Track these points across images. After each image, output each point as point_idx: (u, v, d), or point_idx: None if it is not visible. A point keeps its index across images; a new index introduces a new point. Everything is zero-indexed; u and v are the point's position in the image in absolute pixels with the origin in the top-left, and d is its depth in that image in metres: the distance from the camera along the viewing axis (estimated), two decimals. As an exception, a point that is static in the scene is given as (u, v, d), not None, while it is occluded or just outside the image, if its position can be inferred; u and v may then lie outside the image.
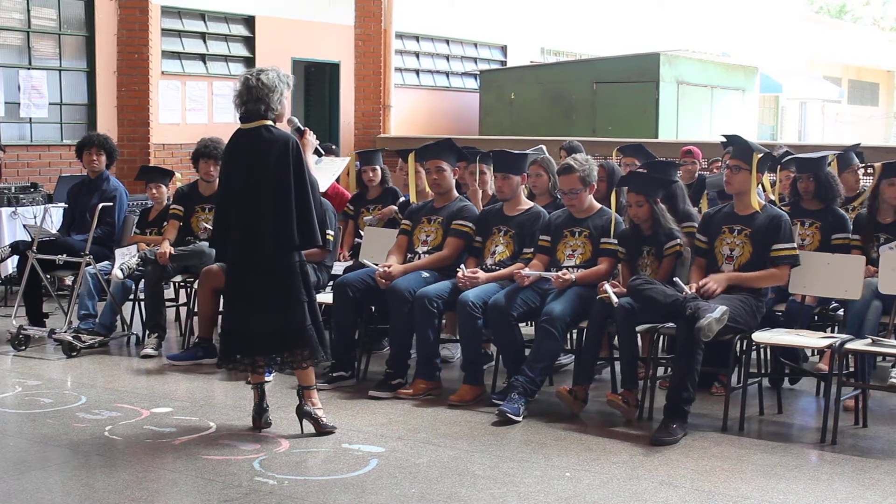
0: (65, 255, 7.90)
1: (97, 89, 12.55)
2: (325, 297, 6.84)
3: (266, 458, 5.27)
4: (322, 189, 6.21)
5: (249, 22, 14.51)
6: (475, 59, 18.83)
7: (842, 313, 6.51)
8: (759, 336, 5.94)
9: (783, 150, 8.69)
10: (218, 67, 14.15)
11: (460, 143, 7.44)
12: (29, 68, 11.91)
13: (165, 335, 7.71)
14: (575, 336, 6.57)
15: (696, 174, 9.37)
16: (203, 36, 14.03)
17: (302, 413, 5.63)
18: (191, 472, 5.04)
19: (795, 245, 6.18)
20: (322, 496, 4.76)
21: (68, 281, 9.40)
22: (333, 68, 15.93)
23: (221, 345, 5.79)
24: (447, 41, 18.15)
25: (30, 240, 8.23)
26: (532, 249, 6.62)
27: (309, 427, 5.64)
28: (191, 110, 13.63)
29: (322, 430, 5.62)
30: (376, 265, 6.82)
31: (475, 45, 18.79)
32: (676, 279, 6.01)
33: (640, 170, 7.12)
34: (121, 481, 4.90)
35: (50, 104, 12.13)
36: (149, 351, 7.49)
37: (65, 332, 7.54)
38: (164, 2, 13.25)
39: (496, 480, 4.99)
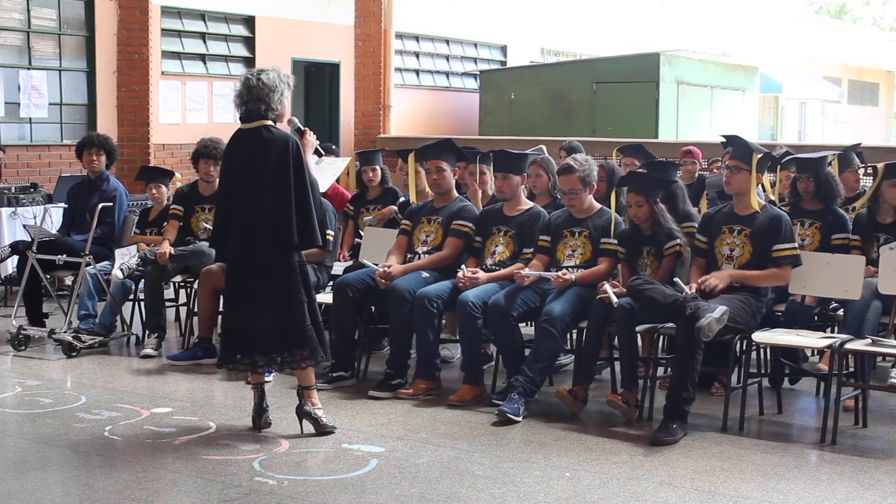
0: (65, 256, 7.90)
1: (97, 89, 12.55)
2: (325, 297, 6.84)
3: (266, 458, 5.27)
4: (322, 189, 6.21)
5: (249, 22, 14.51)
6: (475, 59, 18.83)
7: (842, 313, 6.51)
8: (759, 336, 5.94)
9: (783, 150, 8.68)
10: (218, 67, 14.15)
11: (460, 143, 7.44)
12: (29, 68, 11.91)
13: (165, 335, 7.71)
14: (575, 336, 6.57)
15: (696, 174, 9.37)
16: (203, 36, 14.04)
17: (302, 413, 5.63)
18: (191, 472, 5.04)
19: (796, 245, 6.18)
20: (322, 496, 4.76)
21: (68, 281, 9.40)
22: (333, 68, 15.93)
23: (222, 345, 5.79)
24: (447, 41, 18.15)
25: (30, 240, 8.23)
26: (532, 249, 6.62)
27: (309, 427, 5.64)
28: (191, 110, 13.63)
29: (322, 430, 5.62)
30: (376, 265, 6.82)
31: (475, 45, 18.79)
32: (676, 279, 6.01)
33: (640, 170, 7.12)
34: (121, 481, 4.90)
35: (50, 104, 12.13)
36: (149, 351, 7.49)
37: (65, 332, 7.54)
38: (164, 2, 13.25)
39: (496, 480, 4.99)
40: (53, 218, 9.26)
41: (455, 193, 7.10)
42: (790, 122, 30.00)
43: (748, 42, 25.38)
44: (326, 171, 7.52)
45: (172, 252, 7.57)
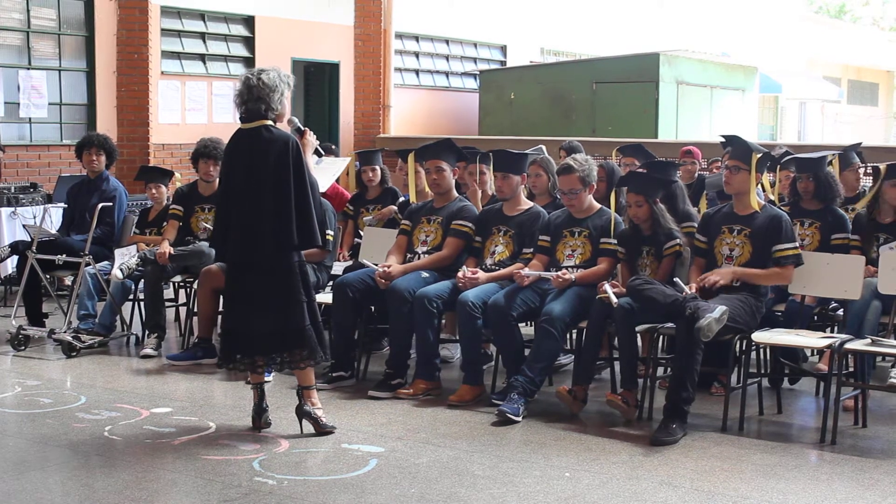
0: (64, 256, 7.90)
1: (97, 89, 12.55)
2: (325, 297, 6.84)
3: (266, 458, 5.27)
4: (322, 189, 6.21)
5: (249, 22, 14.52)
6: (475, 59, 18.83)
7: (841, 313, 6.51)
8: (759, 336, 5.94)
9: (783, 150, 8.68)
10: (217, 67, 14.15)
11: (460, 143, 7.44)
12: (29, 68, 11.91)
13: (165, 335, 7.71)
14: (575, 336, 6.57)
15: (696, 174, 9.36)
16: (203, 36, 14.04)
17: (301, 413, 5.63)
18: (190, 473, 5.04)
19: (798, 244, 6.18)
20: (322, 496, 4.76)
21: (68, 281, 9.39)
22: (333, 68, 15.94)
23: (222, 345, 5.79)
24: (447, 41, 18.16)
25: (29, 240, 8.23)
26: (532, 249, 6.62)
27: (308, 427, 5.64)
28: (190, 110, 13.63)
29: (322, 430, 5.62)
30: (376, 265, 6.82)
31: (475, 45, 18.79)
32: (676, 279, 6.01)
33: (640, 170, 7.12)
34: (120, 481, 4.90)
35: (50, 104, 12.13)
36: (148, 351, 7.49)
37: (64, 332, 7.54)
38: (164, 2, 13.25)
39: (496, 480, 4.99)
40: (53, 218, 9.26)
41: (455, 193, 7.10)
42: (790, 122, 30.00)
43: (748, 42, 25.38)
44: (326, 171, 7.52)
45: (172, 252, 7.57)
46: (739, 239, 6.14)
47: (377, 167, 8.52)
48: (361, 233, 8.10)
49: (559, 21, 20.02)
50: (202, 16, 13.99)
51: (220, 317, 6.99)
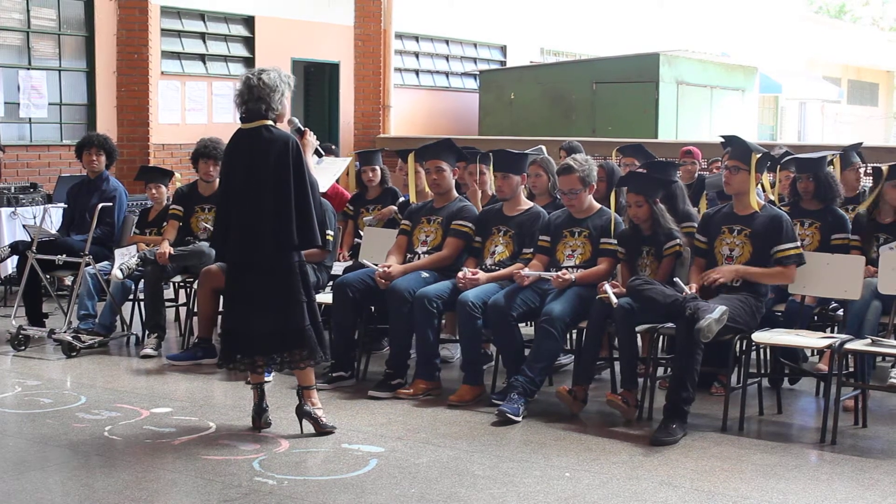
0: (64, 256, 7.90)
1: (97, 89, 12.55)
2: (325, 297, 6.84)
3: (266, 458, 5.27)
4: (322, 189, 6.21)
5: (249, 22, 14.51)
6: (475, 60, 18.83)
7: (841, 313, 6.51)
8: (759, 336, 5.94)
9: (783, 150, 8.68)
10: (217, 68, 14.15)
11: (460, 143, 7.44)
12: (29, 68, 11.91)
13: (165, 335, 7.71)
14: (575, 336, 6.57)
15: (696, 174, 9.37)
16: (203, 36, 14.04)
17: (302, 413, 5.64)
18: (191, 472, 5.04)
19: (799, 244, 6.18)
20: (322, 496, 4.76)
21: (68, 281, 9.40)
22: (333, 68, 15.93)
23: (222, 345, 5.80)
24: (447, 41, 18.16)
25: (29, 240, 8.23)
26: (532, 249, 6.62)
27: (308, 427, 5.64)
28: (190, 110, 13.63)
29: (322, 430, 5.62)
30: (376, 265, 6.82)
31: (475, 45, 18.79)
32: (676, 279, 6.01)
33: (640, 170, 7.12)
34: (120, 481, 4.90)
35: (50, 104, 12.13)
36: (148, 351, 7.49)
37: (64, 332, 7.54)
38: (164, 2, 13.25)
39: (496, 480, 4.99)
40: (53, 218, 9.26)
41: (455, 193, 7.10)
42: (790, 123, 30.01)
43: (748, 42, 25.38)
44: (327, 172, 7.53)
45: (172, 252, 7.57)
46: (739, 239, 6.14)
47: (377, 167, 8.53)
48: (361, 233, 8.10)
49: (559, 21, 20.03)
50: (202, 16, 13.99)
51: (220, 317, 6.99)
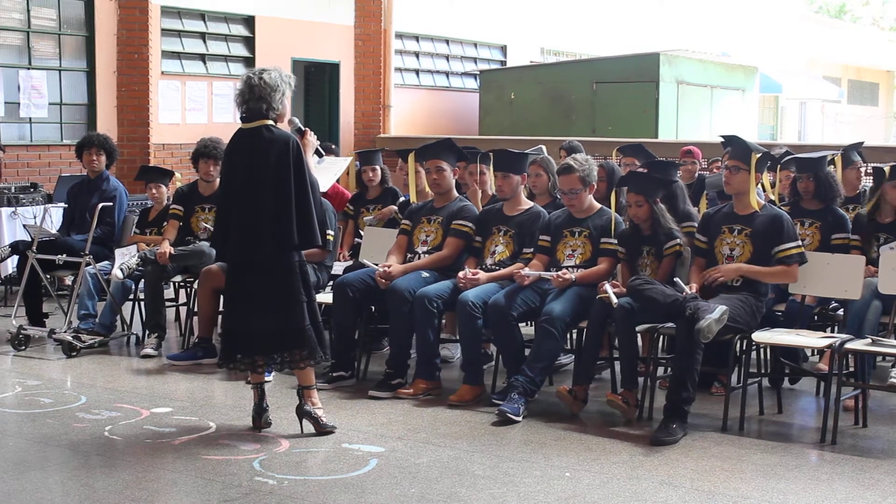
0: (65, 255, 7.90)
1: (97, 89, 12.54)
2: (325, 297, 6.84)
3: (266, 458, 5.27)
4: (322, 189, 6.21)
5: (249, 22, 14.51)
6: (475, 59, 18.83)
7: (842, 313, 6.51)
8: (759, 336, 5.94)
9: (783, 150, 8.68)
10: (218, 67, 14.15)
11: (460, 143, 7.44)
12: (29, 68, 11.91)
13: (165, 335, 7.71)
14: (575, 336, 6.57)
15: (696, 174, 9.37)
16: (203, 36, 14.03)
17: (302, 413, 5.64)
18: (191, 472, 5.04)
19: (800, 243, 6.18)
20: (322, 496, 4.76)
21: (68, 281, 9.40)
22: (333, 68, 15.93)
23: (222, 345, 5.80)
24: (447, 41, 18.15)
25: (30, 240, 8.23)
26: (532, 249, 6.62)
27: (309, 427, 5.64)
28: (190, 110, 13.63)
29: (322, 429, 5.62)
30: (376, 265, 6.82)
31: (475, 45, 18.79)
32: (676, 279, 6.01)
33: (640, 170, 7.12)
34: (121, 481, 4.90)
35: (50, 104, 12.13)
36: (149, 351, 7.49)
37: (65, 332, 7.54)
38: (164, 2, 13.24)
39: (496, 480, 4.99)
40: (53, 218, 9.26)
41: (455, 193, 7.10)
42: (790, 122, 30.00)
43: (748, 42, 25.38)
44: (327, 171, 7.53)
45: (172, 252, 7.57)
46: (740, 239, 6.14)
47: (377, 167, 8.53)
48: (362, 233, 8.10)
49: (559, 21, 20.02)
50: (202, 16, 13.99)
51: (220, 317, 6.99)
